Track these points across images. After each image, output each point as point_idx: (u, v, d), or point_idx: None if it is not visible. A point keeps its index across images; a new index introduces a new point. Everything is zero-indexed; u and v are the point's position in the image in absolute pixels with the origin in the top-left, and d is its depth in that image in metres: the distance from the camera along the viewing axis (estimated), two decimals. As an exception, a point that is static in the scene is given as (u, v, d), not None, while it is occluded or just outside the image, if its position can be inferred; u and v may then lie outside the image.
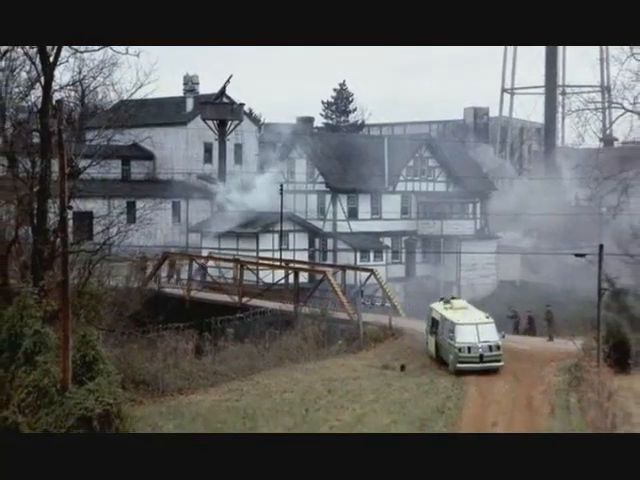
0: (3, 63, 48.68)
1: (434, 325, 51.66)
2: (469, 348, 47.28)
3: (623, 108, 77.81)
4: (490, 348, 47.70)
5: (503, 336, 49.44)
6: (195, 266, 71.18)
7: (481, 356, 47.32)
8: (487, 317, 49.92)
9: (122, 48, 49.10)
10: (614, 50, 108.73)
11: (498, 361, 48.04)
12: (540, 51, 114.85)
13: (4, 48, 47.92)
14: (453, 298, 53.14)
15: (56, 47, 46.21)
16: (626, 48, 73.57)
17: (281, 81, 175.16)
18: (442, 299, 54.08)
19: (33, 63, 47.66)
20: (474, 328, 48.04)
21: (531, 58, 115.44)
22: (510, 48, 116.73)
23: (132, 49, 49.51)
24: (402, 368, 50.98)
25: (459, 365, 47.42)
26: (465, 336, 47.54)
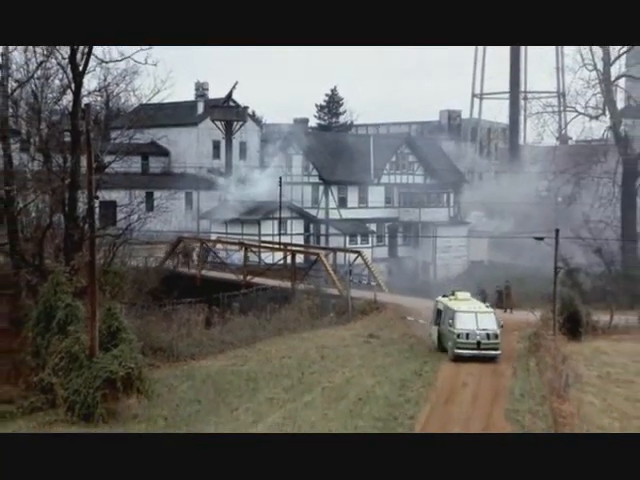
0: (39, 72, 48.18)
1: (438, 316, 48.39)
2: (467, 335, 43.86)
3: (576, 111, 77.80)
4: (488, 336, 44.08)
5: (501, 326, 45.38)
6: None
7: (478, 343, 43.75)
8: (487, 307, 47.15)
9: (142, 58, 49.01)
10: (568, 60, 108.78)
11: (495, 349, 44.32)
12: (505, 61, 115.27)
13: (40, 59, 47.62)
14: (457, 291, 48.74)
15: (85, 58, 46.01)
16: (579, 59, 73.58)
17: (279, 85, 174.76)
18: (452, 292, 49.41)
19: (65, 72, 47.38)
20: (473, 316, 44.73)
21: (497, 67, 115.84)
22: (479, 58, 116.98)
23: (150, 59, 49.29)
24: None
25: (457, 351, 43.99)
26: (464, 323, 44.23)
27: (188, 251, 70.08)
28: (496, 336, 44.20)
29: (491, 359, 43.73)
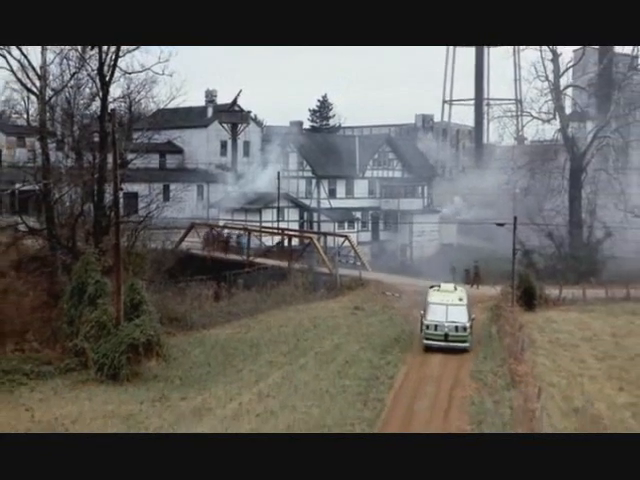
0: (72, 82, 48.12)
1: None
2: (435, 326, 39.32)
3: (531, 116, 77.79)
4: (456, 329, 39.32)
5: (473, 319, 41.16)
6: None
7: (446, 335, 39.07)
8: (460, 300, 41.26)
9: (159, 70, 48.98)
10: (524, 72, 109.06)
11: (463, 342, 39.42)
12: (470, 72, 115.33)
13: (73, 70, 47.61)
14: (444, 283, 44.51)
15: (111, 70, 45.95)
16: (533, 71, 73.70)
17: (278, 92, 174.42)
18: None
19: (94, 82, 47.35)
20: (444, 308, 39.69)
21: (464, 77, 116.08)
22: (449, 70, 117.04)
23: (167, 71, 49.28)
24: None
25: (425, 341, 39.70)
26: (434, 315, 39.67)
27: (222, 238, 69.81)
28: (464, 329, 39.55)
29: (460, 351, 39.17)
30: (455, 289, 42.93)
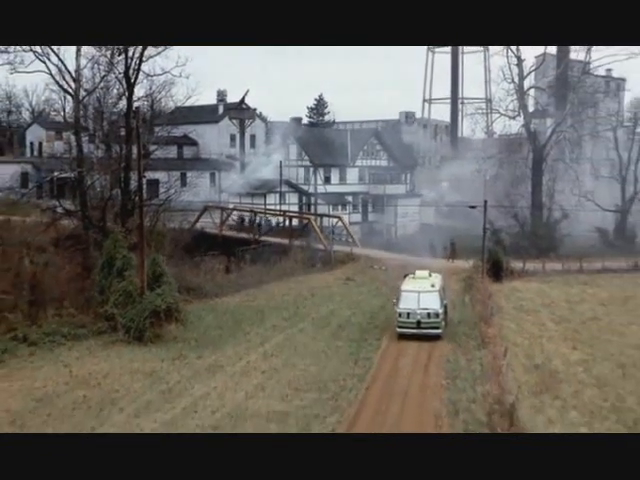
0: (102, 84, 47.82)
1: None
2: (408, 314, 34.88)
3: (499, 113, 77.38)
4: (429, 315, 34.81)
5: (446, 305, 36.81)
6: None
7: (418, 322, 34.70)
8: (432, 286, 36.32)
9: (177, 72, 48.64)
10: (493, 75, 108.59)
11: (436, 328, 34.84)
12: (447, 75, 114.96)
13: (103, 74, 47.33)
14: (418, 270, 39.22)
15: (135, 73, 45.66)
16: (501, 74, 73.63)
17: (280, 92, 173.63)
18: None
19: (121, 84, 47.02)
20: (416, 296, 35.11)
21: (441, 80, 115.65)
22: (429, 74, 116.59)
23: (183, 74, 48.98)
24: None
25: (397, 329, 35.27)
26: (406, 302, 35.15)
27: (241, 220, 69.56)
28: (437, 315, 35.01)
29: (432, 337, 34.76)
30: (430, 275, 38.03)
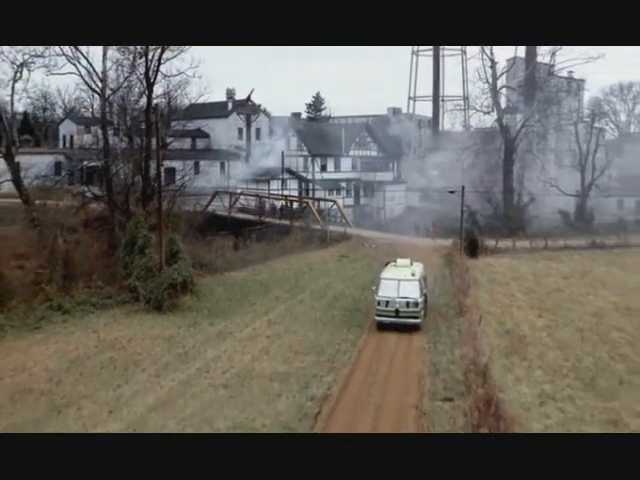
0: (125, 83, 47.43)
1: None
2: (387, 302, 30.45)
3: (475, 109, 77.47)
4: (407, 304, 30.28)
5: (426, 294, 32.40)
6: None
7: (397, 311, 30.25)
8: (412, 274, 31.45)
9: (191, 73, 48.42)
10: (470, 75, 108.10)
11: (415, 317, 30.43)
12: (429, 75, 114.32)
13: (126, 74, 47.01)
14: (400, 259, 34.43)
15: (154, 74, 45.36)
16: (477, 75, 73.65)
17: (282, 90, 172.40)
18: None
19: (142, 83, 46.56)
20: (395, 284, 30.60)
21: (424, 80, 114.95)
22: (413, 74, 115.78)
23: (196, 74, 48.81)
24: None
25: (376, 317, 30.98)
26: (386, 291, 30.64)
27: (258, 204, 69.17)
28: (416, 304, 30.48)
29: (411, 327, 30.49)
30: (411, 264, 33.42)
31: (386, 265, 34.06)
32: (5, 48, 44.14)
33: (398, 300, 30.48)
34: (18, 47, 44.05)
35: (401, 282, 30.82)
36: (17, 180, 46.11)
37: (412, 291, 30.71)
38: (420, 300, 30.77)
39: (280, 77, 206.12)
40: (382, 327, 30.82)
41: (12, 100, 48.72)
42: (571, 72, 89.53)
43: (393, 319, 30.53)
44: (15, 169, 46.75)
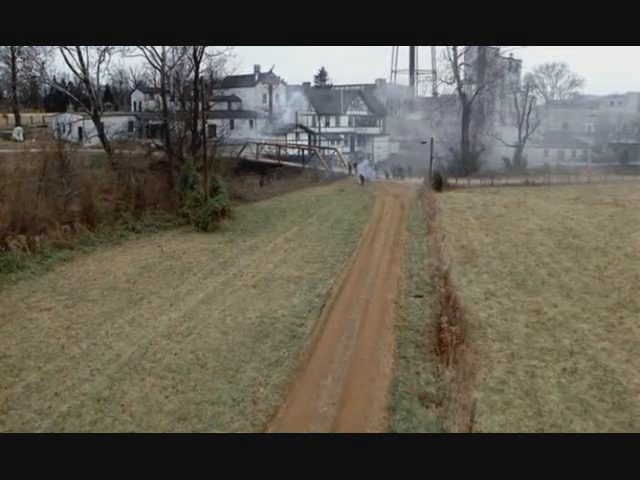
0: (179, 62, 45.94)
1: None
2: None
3: (441, 80, 75.33)
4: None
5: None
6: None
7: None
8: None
9: (227, 53, 46.85)
10: (438, 54, 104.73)
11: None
12: (407, 54, 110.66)
13: (179, 55, 45.43)
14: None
15: (200, 55, 43.83)
16: (443, 54, 71.26)
17: (295, 64, 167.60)
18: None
19: (191, 61, 45.03)
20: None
21: (404, 56, 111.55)
22: (395, 51, 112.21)
23: (232, 55, 47.17)
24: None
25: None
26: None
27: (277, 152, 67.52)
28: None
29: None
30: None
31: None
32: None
33: None
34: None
35: None
36: (102, 135, 46.32)
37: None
38: None
39: (295, 55, 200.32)
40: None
41: (98, 77, 48.03)
42: (512, 54, 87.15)
43: None
44: (100, 127, 46.73)
